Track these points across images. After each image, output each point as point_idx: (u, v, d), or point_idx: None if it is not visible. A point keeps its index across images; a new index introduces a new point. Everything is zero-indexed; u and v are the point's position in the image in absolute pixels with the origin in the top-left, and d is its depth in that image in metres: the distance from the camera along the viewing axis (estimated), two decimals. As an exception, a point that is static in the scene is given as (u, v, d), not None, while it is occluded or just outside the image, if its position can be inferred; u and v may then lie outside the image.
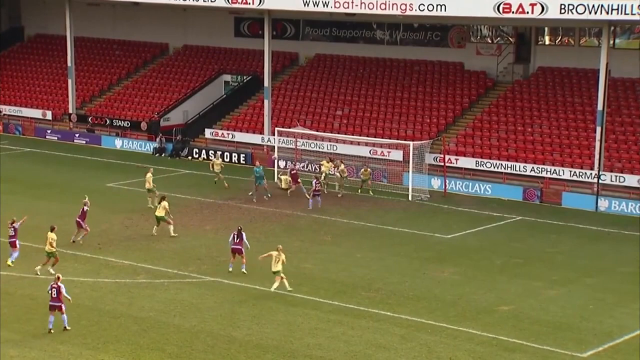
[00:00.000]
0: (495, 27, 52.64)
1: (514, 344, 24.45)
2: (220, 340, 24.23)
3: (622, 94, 47.08)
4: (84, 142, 57.01)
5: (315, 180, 40.45)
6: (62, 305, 24.67)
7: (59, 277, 25.14)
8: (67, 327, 24.68)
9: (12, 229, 30.79)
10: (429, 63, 53.69)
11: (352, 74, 54.96)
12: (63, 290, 24.77)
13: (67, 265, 30.84)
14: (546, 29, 51.70)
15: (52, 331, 24.44)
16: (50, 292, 24.74)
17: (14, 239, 30.69)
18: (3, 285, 28.38)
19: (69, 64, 59.04)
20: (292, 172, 43.29)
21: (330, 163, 44.44)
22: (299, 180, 42.52)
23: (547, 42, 52.25)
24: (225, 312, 26.54)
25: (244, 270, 30.03)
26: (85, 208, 33.76)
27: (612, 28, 44.89)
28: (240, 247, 30.24)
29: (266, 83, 52.19)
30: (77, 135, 57.70)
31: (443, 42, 53.49)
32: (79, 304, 26.79)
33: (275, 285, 28.06)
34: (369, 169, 44.08)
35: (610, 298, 28.52)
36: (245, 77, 57.97)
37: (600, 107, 42.88)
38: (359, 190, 43.12)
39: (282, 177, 43.98)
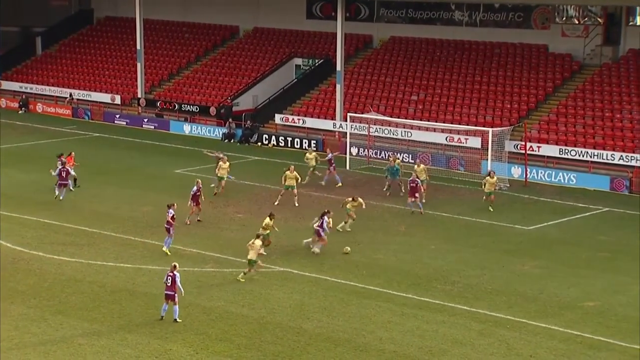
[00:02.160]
0: (583, 6, 51.48)
1: (599, 342, 23.97)
2: (289, 332, 24.35)
3: None
4: (153, 127, 57.87)
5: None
6: (175, 295, 24.80)
7: (175, 266, 25.31)
8: (178, 320, 24.77)
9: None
10: (511, 45, 52.85)
11: (429, 57, 54.47)
12: (177, 279, 24.94)
13: (135, 252, 31.39)
14: (638, 8, 50.31)
15: (162, 318, 24.86)
16: (165, 281, 24.97)
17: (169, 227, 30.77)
18: (71, 272, 29.06)
19: (138, 47, 60.02)
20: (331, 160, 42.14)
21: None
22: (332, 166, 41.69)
23: (638, 23, 50.86)
24: (294, 303, 26.65)
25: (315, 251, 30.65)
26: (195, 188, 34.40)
27: None
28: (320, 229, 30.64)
29: (338, 67, 52.11)
30: (145, 120, 58.60)
31: (526, 23, 52.55)
32: (147, 293, 27.24)
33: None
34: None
35: None
36: (317, 61, 58.00)
37: (695, 91, 41.64)
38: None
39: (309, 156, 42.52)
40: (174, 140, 53.83)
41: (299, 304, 26.57)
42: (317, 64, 57.79)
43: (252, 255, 28.42)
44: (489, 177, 38.21)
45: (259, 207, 37.82)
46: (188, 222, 34.57)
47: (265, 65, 59.60)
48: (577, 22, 51.84)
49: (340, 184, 41.77)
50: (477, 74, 51.99)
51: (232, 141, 54.14)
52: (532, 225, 35.89)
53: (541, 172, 44.21)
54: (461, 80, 52.02)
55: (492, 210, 37.38)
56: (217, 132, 55.31)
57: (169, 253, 30.87)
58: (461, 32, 54.62)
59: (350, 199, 34.00)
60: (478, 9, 54.14)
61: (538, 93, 49.71)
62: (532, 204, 39.62)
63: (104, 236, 32.59)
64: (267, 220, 31.26)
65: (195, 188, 34.91)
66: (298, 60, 59.07)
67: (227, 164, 39.95)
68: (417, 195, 36.63)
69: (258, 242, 28.72)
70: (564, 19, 52.30)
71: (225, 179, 39.54)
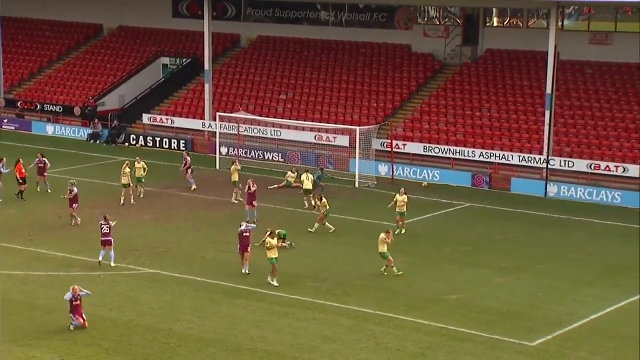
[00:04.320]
0: (443, 8, 52.99)
1: (462, 333, 24.74)
2: (159, 334, 24.06)
3: (571, 76, 47.85)
4: (13, 128, 55.91)
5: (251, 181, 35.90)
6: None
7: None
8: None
9: (107, 226, 29.97)
10: (376, 45, 53.84)
11: (296, 57, 54.83)
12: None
13: (-4, 258, 30.31)
14: (494, 10, 52.23)
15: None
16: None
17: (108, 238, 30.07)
18: None
19: (-5, 45, 57.85)
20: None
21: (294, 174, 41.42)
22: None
23: (495, 24, 52.82)
24: (164, 305, 26.35)
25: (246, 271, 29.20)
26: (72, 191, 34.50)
27: (561, 9, 45.58)
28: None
29: (207, 66, 51.74)
30: (5, 120, 56.54)
31: (390, 23, 53.66)
32: (9, 299, 26.33)
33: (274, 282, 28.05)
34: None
35: (561, 285, 29.04)
36: (184, 60, 57.42)
37: (549, 90, 43.53)
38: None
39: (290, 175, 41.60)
40: (37, 142, 52.13)
41: (169, 306, 26.28)
42: (184, 63, 57.21)
43: (273, 254, 27.72)
44: (398, 195, 34.52)
45: (126, 209, 37.11)
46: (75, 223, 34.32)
47: (132, 64, 58.51)
48: (438, 23, 53.33)
49: (194, 187, 40.74)
50: (344, 73, 52.70)
51: (97, 142, 52.94)
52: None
53: (407, 170, 45.10)
54: (329, 80, 52.61)
55: (404, 232, 34.07)
56: (82, 133, 53.95)
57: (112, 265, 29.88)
58: (328, 32, 55.25)
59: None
60: (344, 9, 54.89)
61: (403, 92, 50.83)
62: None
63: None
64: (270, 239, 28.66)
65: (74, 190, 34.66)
66: (165, 60, 58.27)
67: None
68: (254, 203, 34.93)
69: (273, 241, 28.11)
70: (426, 20, 53.72)
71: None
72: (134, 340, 23.63)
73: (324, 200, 34.53)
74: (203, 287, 28.11)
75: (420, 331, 24.82)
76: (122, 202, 37.82)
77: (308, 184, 38.91)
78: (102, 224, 30.03)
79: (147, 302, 26.50)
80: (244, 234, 29.10)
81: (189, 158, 41.78)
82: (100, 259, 29.68)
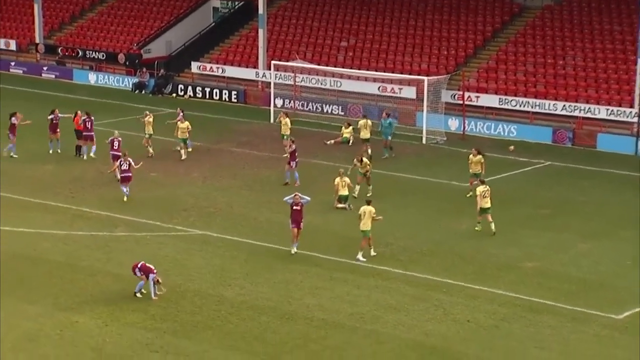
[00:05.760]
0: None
1: (540, 304, 24.58)
2: (209, 300, 24.38)
3: (668, 21, 46.71)
4: (53, 76, 56.76)
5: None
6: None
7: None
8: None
9: (126, 163, 32.89)
10: (447, -14, 53.17)
11: (359, 0, 54.40)
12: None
13: (35, 215, 30.94)
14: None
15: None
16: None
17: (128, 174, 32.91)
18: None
19: (34, -15, 58.60)
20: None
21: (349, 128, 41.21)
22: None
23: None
24: (214, 269, 26.66)
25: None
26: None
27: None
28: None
29: (261, 9, 51.72)
30: (45, 68, 57.40)
31: (463, -38, 52.86)
32: (50, 260, 26.93)
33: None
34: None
35: (650, 253, 28.63)
36: (236, 3, 57.46)
37: (642, 36, 42.69)
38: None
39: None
40: (78, 91, 52.85)
41: (219, 270, 26.59)
42: (237, 7, 57.27)
43: (366, 226, 27.50)
44: (471, 155, 34.35)
45: (173, 165, 37.52)
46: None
47: (180, 7, 58.77)
48: (518, -39, 52.32)
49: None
50: (412, 17, 52.19)
51: (143, 92, 53.44)
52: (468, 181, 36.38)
53: (480, 124, 44.79)
54: (394, 25, 52.17)
55: (469, 195, 33.44)
56: (127, 82, 54.49)
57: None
58: (394, -28, 54.66)
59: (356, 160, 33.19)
60: (412, -54, 54.17)
61: (476, 38, 50.22)
62: (470, 158, 40.12)
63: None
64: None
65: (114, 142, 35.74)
66: (216, 2, 58.43)
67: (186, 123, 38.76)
68: (292, 163, 34.78)
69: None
70: (505, -43, 52.68)
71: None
72: (182, 306, 23.98)
73: (365, 160, 33.90)
74: (255, 250, 28.35)
75: (493, 301, 24.73)
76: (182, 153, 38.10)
77: (366, 133, 38.94)
78: (121, 161, 32.59)
79: (195, 266, 26.85)
80: (294, 207, 27.56)
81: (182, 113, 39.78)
82: (125, 195, 32.54)
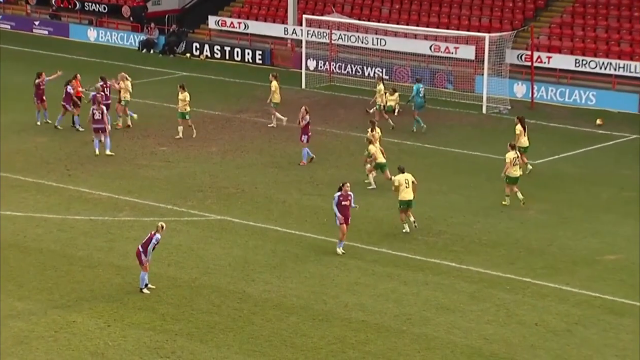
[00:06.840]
0: None
1: (622, 304, 24.52)
2: (229, 297, 24.55)
3: None
4: (46, 32, 57.14)
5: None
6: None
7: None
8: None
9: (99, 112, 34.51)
10: None
11: (408, -59, 54.22)
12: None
13: (27, 196, 31.26)
14: None
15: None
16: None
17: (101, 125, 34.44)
18: None
19: None
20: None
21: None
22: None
23: None
24: (235, 261, 26.83)
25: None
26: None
27: None
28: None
29: (290, -47, 51.70)
30: (36, 23, 57.77)
31: None
32: (42, 248, 27.22)
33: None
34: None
35: None
36: (261, -54, 57.39)
37: None
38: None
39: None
40: (76, 50, 53.19)
41: (241, 262, 26.75)
42: (262, -50, 57.20)
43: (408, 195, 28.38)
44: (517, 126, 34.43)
45: (187, 138, 37.71)
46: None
47: (194, -49, 58.86)
48: None
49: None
50: (470, -38, 51.94)
51: (151, 52, 53.67)
52: (539, 158, 36.30)
53: (551, 90, 44.62)
54: (449, -29, 51.97)
55: (529, 172, 33.84)
56: (133, 40, 54.72)
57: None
58: None
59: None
60: None
61: (548, -12, 49.95)
62: (540, 130, 40.05)
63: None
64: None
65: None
66: (237, -55, 58.42)
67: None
68: (303, 138, 35.06)
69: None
70: None
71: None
72: (197, 304, 24.17)
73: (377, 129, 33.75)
74: (283, 239, 28.48)
75: (566, 301, 24.70)
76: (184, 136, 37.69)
77: (392, 100, 39.60)
78: (93, 109, 34.10)
79: (213, 257, 27.03)
80: (342, 202, 27.06)
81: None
82: (96, 151, 34.22)
